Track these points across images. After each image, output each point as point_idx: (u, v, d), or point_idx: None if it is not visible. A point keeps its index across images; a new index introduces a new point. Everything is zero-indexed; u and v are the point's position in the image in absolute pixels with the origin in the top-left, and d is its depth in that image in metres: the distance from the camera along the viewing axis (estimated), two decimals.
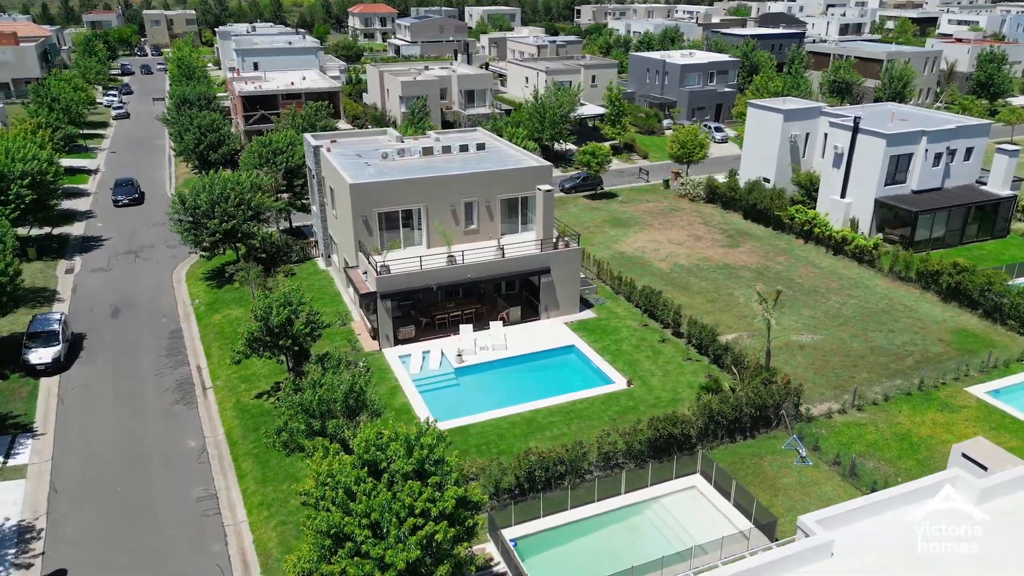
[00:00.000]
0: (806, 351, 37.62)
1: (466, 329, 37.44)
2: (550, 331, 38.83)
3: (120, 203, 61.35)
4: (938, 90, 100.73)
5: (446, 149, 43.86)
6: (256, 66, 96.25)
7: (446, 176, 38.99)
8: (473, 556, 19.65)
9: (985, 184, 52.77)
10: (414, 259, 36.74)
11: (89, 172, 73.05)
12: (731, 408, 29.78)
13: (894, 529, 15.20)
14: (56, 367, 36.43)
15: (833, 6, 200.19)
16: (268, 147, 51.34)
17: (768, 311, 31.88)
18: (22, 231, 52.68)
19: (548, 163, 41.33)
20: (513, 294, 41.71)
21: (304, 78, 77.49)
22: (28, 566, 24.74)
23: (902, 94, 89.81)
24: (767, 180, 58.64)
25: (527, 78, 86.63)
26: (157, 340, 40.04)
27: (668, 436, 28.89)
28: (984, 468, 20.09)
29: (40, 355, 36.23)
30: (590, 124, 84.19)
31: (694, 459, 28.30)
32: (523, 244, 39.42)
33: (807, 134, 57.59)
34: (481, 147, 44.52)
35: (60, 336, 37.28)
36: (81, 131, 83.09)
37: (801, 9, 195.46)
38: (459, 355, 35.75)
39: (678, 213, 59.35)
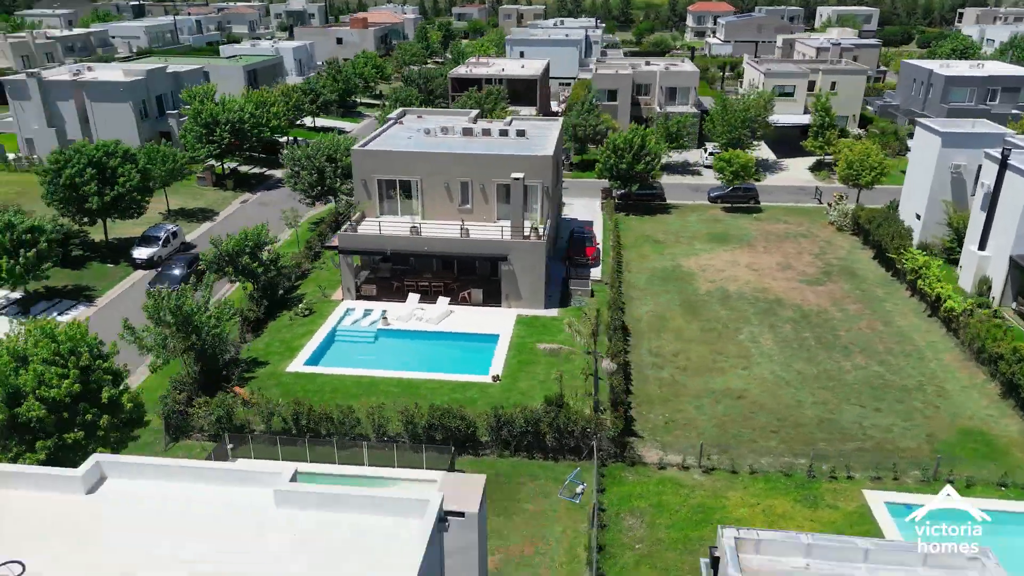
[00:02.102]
0: (741, 403, 31.94)
1: (413, 298, 39.40)
2: (493, 319, 38.62)
3: (139, 263, 46.65)
4: None
5: (486, 132, 45.30)
6: (522, 54, 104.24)
7: (438, 153, 40.88)
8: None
9: None
10: (373, 224, 39.75)
11: (342, 132, 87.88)
12: (523, 420, 27.74)
13: None
14: (150, 263, 47.35)
15: None
16: None
17: (576, 330, 28.37)
18: (236, 165, 67.25)
19: (547, 155, 40.54)
20: (493, 278, 42.03)
21: (523, 67, 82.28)
22: None
23: None
24: (919, 217, 47.76)
25: (752, 79, 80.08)
26: None
27: (454, 429, 28.25)
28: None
29: (140, 252, 47.52)
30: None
31: (446, 459, 27.29)
32: (487, 228, 39.63)
33: (979, 166, 45.34)
34: (521, 134, 44.96)
35: (160, 242, 48.21)
36: (358, 100, 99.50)
37: None
38: (384, 318, 37.99)
39: (801, 239, 51.55)
